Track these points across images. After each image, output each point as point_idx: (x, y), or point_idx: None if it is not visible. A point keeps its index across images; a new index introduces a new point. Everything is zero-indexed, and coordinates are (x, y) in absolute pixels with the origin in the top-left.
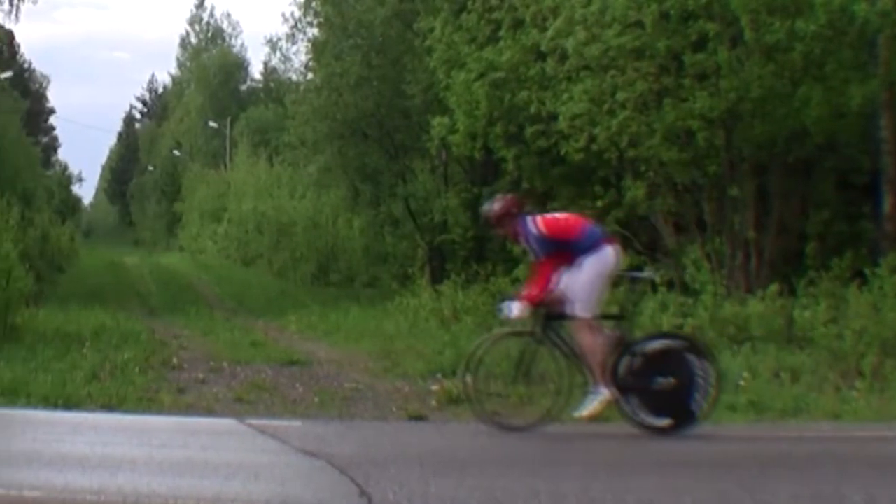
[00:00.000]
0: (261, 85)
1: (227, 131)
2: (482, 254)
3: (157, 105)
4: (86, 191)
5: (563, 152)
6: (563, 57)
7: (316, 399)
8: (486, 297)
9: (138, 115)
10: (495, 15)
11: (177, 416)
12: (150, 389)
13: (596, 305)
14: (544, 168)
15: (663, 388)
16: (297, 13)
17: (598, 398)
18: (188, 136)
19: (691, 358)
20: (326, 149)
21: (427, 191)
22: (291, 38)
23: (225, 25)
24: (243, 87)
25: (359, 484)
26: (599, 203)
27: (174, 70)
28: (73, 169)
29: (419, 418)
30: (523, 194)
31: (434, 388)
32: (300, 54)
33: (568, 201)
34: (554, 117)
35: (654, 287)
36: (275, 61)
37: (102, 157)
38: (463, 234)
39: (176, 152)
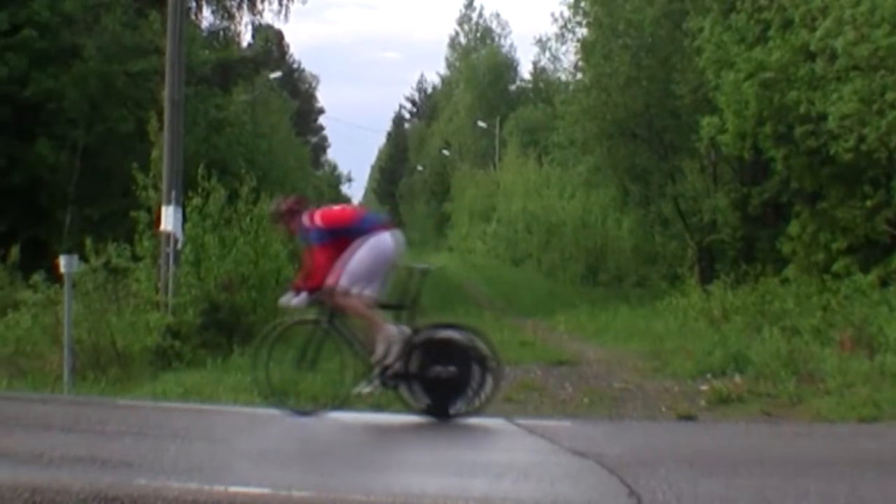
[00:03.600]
0: (530, 85)
1: (497, 131)
2: (751, 254)
3: (427, 105)
4: (355, 191)
5: (832, 152)
6: (833, 57)
7: (585, 399)
8: (756, 297)
9: (407, 115)
10: (764, 15)
11: None
12: None
13: (361, 282)
14: (813, 168)
15: (439, 376)
16: (567, 13)
17: (394, 333)
18: (457, 135)
19: (475, 365)
20: (596, 149)
21: (696, 190)
22: (561, 38)
23: (494, 25)
24: (512, 87)
25: (628, 484)
26: (868, 203)
27: (443, 70)
28: (343, 169)
29: (688, 418)
30: (302, 196)
31: (703, 388)
32: (569, 54)
33: (837, 201)
34: (823, 117)
35: None
36: (544, 61)
37: (371, 157)
38: (732, 234)
39: (445, 152)
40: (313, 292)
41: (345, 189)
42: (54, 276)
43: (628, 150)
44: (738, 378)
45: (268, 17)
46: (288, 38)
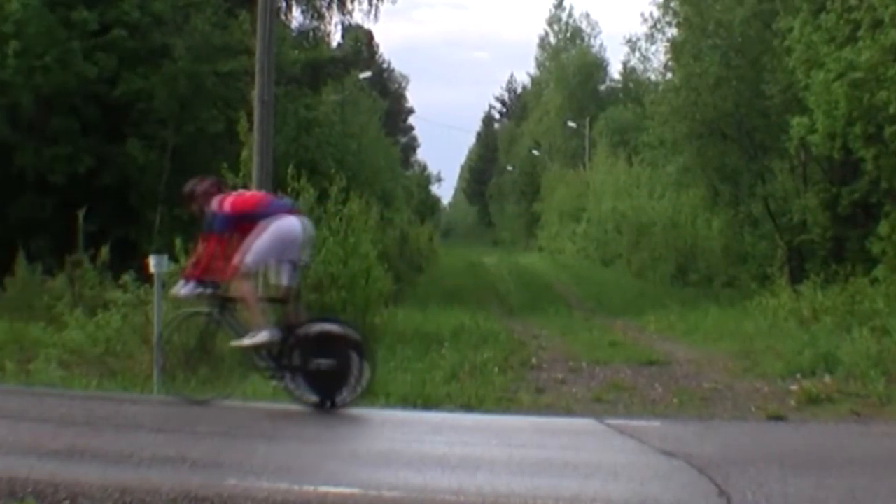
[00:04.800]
0: (620, 85)
1: (586, 131)
2: (841, 254)
3: (516, 105)
4: (445, 191)
5: None
6: None
7: (675, 399)
8: (846, 297)
9: (497, 115)
10: (854, 15)
11: (536, 415)
12: (508, 389)
13: (258, 261)
14: None
15: (324, 368)
16: (657, 13)
17: (263, 336)
18: (547, 135)
19: (354, 355)
20: (685, 149)
21: (786, 191)
22: (650, 38)
23: (584, 25)
24: (602, 87)
25: (717, 484)
26: None
27: (533, 70)
28: (432, 169)
29: (778, 418)
30: (220, 179)
31: (793, 388)
32: (659, 54)
33: None
34: None
35: None
36: (634, 61)
37: (461, 156)
38: (822, 234)
39: (535, 152)
40: (201, 282)
41: (434, 189)
42: (144, 276)
43: (718, 150)
44: (827, 378)
45: (357, 17)
46: (378, 38)
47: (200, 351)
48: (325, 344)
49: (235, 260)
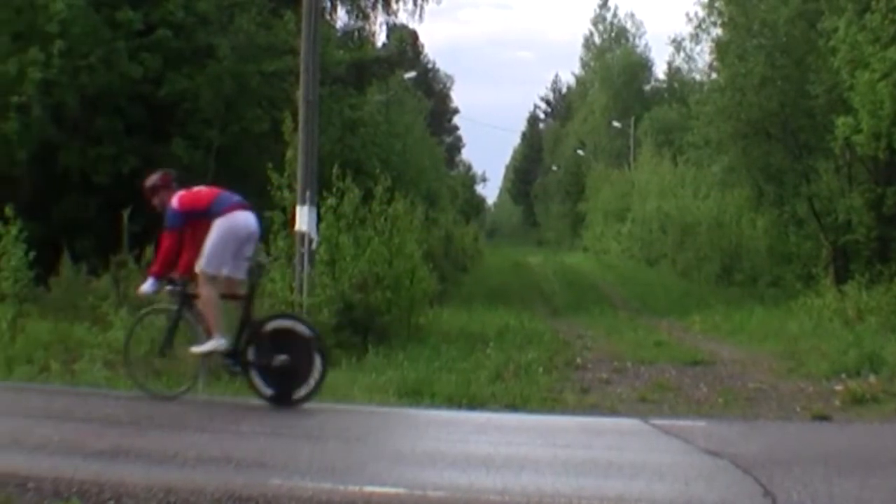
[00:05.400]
0: (664, 85)
1: (631, 131)
2: (886, 254)
3: (561, 105)
4: (489, 191)
5: None
6: None
7: (720, 399)
8: (891, 297)
9: (542, 115)
10: None
11: (581, 415)
12: (553, 389)
13: (218, 263)
14: None
15: (281, 364)
16: (701, 13)
17: (214, 344)
18: (592, 135)
19: (308, 351)
20: (730, 149)
21: (831, 191)
22: (695, 38)
23: (629, 25)
24: (647, 87)
25: (762, 484)
26: None
27: (578, 70)
28: (477, 169)
29: (823, 418)
30: (174, 171)
31: (838, 388)
32: (704, 54)
33: None
34: None
35: None
36: (678, 61)
37: (506, 156)
38: (867, 234)
39: (580, 152)
40: (163, 278)
41: (479, 189)
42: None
43: (763, 150)
44: (872, 378)
45: (402, 18)
46: (422, 38)
47: (164, 346)
48: (280, 340)
49: (197, 267)
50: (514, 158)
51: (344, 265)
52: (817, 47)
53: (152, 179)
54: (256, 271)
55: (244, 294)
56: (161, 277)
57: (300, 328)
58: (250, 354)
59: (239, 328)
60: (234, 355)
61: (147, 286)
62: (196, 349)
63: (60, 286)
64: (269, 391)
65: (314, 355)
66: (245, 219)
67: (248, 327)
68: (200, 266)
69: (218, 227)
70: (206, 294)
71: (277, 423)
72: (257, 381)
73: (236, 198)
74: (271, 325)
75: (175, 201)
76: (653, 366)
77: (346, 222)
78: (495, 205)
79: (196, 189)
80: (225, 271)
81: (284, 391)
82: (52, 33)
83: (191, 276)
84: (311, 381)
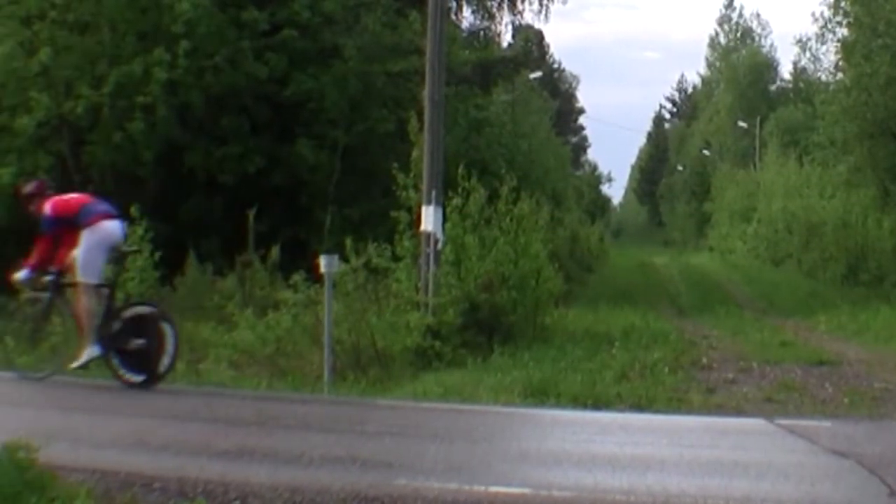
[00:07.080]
0: (790, 85)
1: (757, 131)
2: None
3: (687, 105)
4: (615, 191)
5: None
6: None
7: (845, 399)
8: None
9: (667, 115)
10: None
11: (706, 416)
12: (679, 389)
13: (94, 272)
14: None
15: (138, 349)
16: (827, 13)
17: (88, 353)
18: (717, 136)
19: (165, 325)
20: (856, 149)
21: None
22: (821, 38)
23: (754, 25)
24: (773, 87)
25: (888, 484)
26: None
27: (703, 70)
28: (603, 169)
29: None
30: (49, 180)
31: None
32: (829, 54)
33: None
34: None
35: None
36: (804, 61)
37: (632, 157)
38: None
39: (705, 152)
40: (34, 270)
41: (605, 189)
42: (314, 277)
43: (889, 150)
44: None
45: (528, 18)
46: (548, 39)
47: (36, 331)
48: (138, 325)
49: (77, 277)
50: (639, 158)
51: (469, 265)
52: None
53: (29, 187)
54: (120, 259)
55: (108, 283)
56: (36, 270)
57: (146, 309)
58: (117, 342)
59: (103, 315)
60: (101, 344)
61: (21, 275)
62: (74, 365)
63: (186, 286)
64: (138, 378)
65: (162, 326)
66: (111, 228)
67: (112, 316)
68: (80, 277)
69: (86, 239)
70: (85, 304)
71: (403, 424)
72: (122, 370)
73: (103, 206)
74: (129, 313)
75: (48, 207)
76: (778, 366)
77: (472, 222)
78: (621, 205)
79: (68, 196)
80: (88, 279)
81: (150, 371)
82: (178, 33)
83: (66, 268)
84: (170, 348)
